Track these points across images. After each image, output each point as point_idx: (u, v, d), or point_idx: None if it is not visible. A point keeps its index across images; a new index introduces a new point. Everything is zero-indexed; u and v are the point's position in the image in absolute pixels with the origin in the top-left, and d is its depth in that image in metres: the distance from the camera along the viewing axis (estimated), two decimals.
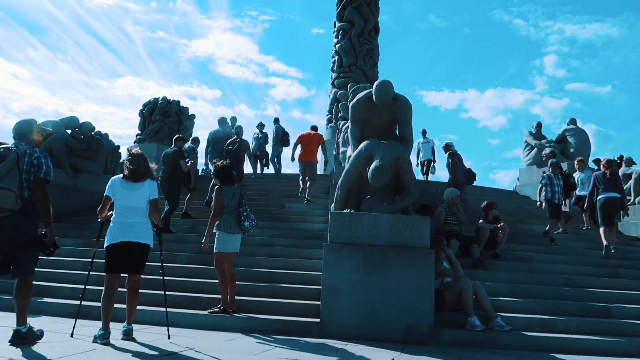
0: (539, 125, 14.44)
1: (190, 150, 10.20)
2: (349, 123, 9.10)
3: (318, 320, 5.60)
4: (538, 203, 10.06)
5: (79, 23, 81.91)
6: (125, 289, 4.71)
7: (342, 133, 9.48)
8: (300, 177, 11.76)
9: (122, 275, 4.66)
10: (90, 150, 11.68)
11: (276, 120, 15.77)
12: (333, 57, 24.26)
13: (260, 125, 15.76)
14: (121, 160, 20.96)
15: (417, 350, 5.02)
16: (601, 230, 8.79)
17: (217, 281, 6.03)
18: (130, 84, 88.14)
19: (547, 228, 9.42)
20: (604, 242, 8.54)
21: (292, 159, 12.00)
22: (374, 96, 6.12)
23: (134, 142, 15.30)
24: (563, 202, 10.11)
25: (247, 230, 6.01)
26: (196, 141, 11.57)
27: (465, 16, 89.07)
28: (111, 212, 4.68)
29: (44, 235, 4.05)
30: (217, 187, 5.99)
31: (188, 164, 9.47)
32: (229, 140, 11.46)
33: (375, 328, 5.47)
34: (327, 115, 23.67)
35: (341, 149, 9.66)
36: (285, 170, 15.80)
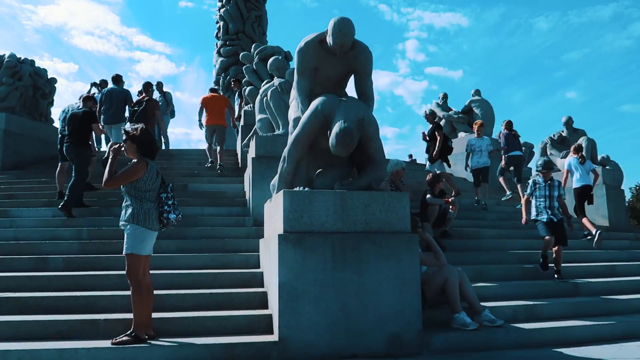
0: (445, 97, 14.16)
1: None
2: (275, 82, 7.54)
3: (275, 338, 4.09)
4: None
5: None
6: None
7: (260, 97, 7.86)
8: (207, 146, 10.10)
9: None
10: None
11: (160, 85, 13.34)
12: (217, 23, 21.97)
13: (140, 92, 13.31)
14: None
15: None
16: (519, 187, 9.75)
17: (124, 294, 4.19)
18: None
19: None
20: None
21: (200, 125, 10.56)
22: (330, 38, 4.65)
23: None
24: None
25: (170, 224, 4.25)
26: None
27: None
28: None
29: None
30: (139, 159, 4.14)
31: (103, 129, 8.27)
32: (135, 100, 9.59)
33: (352, 342, 4.12)
34: (214, 87, 21.40)
35: (257, 117, 8.04)
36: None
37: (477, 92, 13.82)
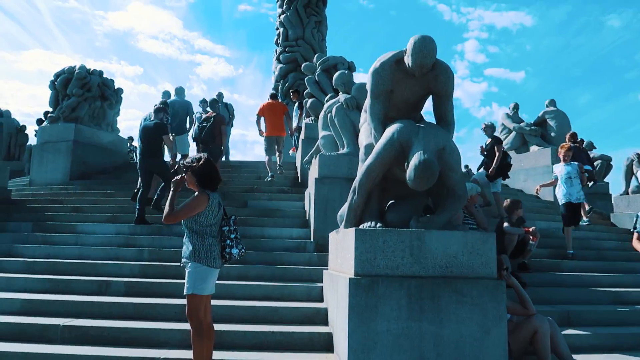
0: (517, 107, 13.30)
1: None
2: (340, 98, 7.19)
3: None
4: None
5: None
6: None
7: (324, 112, 7.54)
8: (267, 159, 10.20)
9: None
10: None
11: (220, 96, 13.37)
12: (277, 29, 22.01)
13: (204, 103, 13.37)
14: (29, 143, 17.66)
15: None
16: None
17: (183, 327, 3.96)
18: (40, 57, 79.42)
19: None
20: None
21: (261, 133, 10.56)
22: (409, 59, 4.22)
23: (45, 122, 12.34)
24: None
25: (233, 259, 3.99)
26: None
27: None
28: None
29: None
30: (200, 192, 3.88)
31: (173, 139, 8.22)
32: (203, 116, 9.64)
33: None
34: (273, 93, 21.37)
35: (321, 134, 7.72)
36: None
37: (552, 103, 12.88)
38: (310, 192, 7.43)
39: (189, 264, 3.81)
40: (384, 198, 4.73)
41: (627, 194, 10.54)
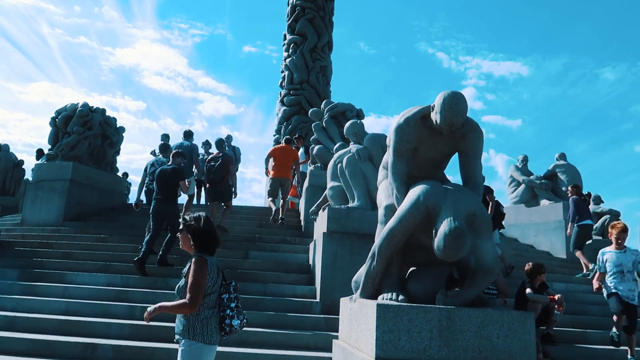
0: (526, 159, 13.01)
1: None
2: (352, 148, 6.84)
3: None
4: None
5: None
6: None
7: (334, 162, 7.20)
8: (270, 199, 10.12)
9: None
10: None
11: (229, 139, 13.11)
12: (282, 72, 22.06)
13: (207, 144, 13.09)
14: (26, 178, 17.21)
15: None
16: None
17: None
18: (46, 89, 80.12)
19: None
20: None
21: (267, 173, 10.46)
22: (437, 116, 3.89)
23: (43, 159, 11.98)
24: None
25: (234, 331, 3.50)
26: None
27: (392, 45, 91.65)
28: None
29: None
30: (196, 258, 3.40)
31: (188, 185, 8.04)
32: (210, 156, 9.61)
33: None
34: (275, 136, 21.26)
35: (329, 184, 7.34)
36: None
37: (562, 156, 12.61)
38: (316, 246, 6.99)
39: (183, 340, 3.32)
40: (406, 264, 4.30)
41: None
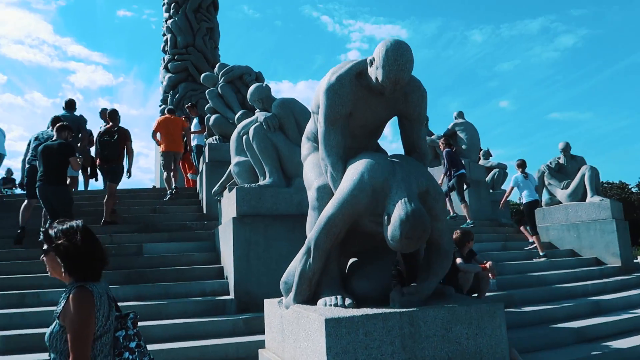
0: (426, 119, 12.96)
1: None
2: (259, 117, 5.84)
3: None
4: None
5: None
6: None
7: (238, 134, 6.17)
8: (165, 176, 9.48)
9: None
10: None
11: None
12: (164, 35, 19.99)
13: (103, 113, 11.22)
14: None
15: None
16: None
17: None
18: None
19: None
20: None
21: (158, 143, 9.87)
22: (378, 71, 3.08)
23: None
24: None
25: None
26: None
27: (277, 9, 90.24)
28: None
29: None
30: (75, 292, 2.19)
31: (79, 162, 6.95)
32: (102, 129, 8.30)
33: None
34: (161, 106, 19.31)
35: (234, 160, 6.32)
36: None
37: (461, 115, 12.71)
38: (224, 233, 6.01)
39: None
40: (344, 255, 3.55)
41: (541, 206, 10.50)
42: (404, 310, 2.82)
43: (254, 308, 5.17)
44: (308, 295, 3.25)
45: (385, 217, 2.90)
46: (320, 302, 3.11)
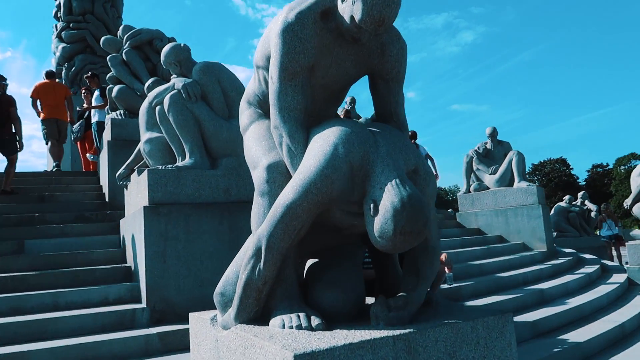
0: (353, 101, 12.38)
1: None
2: (176, 84, 4.74)
3: None
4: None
5: None
6: None
7: (149, 104, 5.02)
8: (49, 146, 8.98)
9: None
10: None
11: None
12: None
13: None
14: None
15: None
16: None
17: None
18: None
19: None
20: None
21: (39, 114, 9.04)
22: (355, 8, 2.24)
23: None
24: None
25: None
26: None
27: None
28: None
29: None
30: None
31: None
32: None
33: None
34: (50, 71, 16.90)
35: (145, 136, 5.17)
36: None
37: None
38: (133, 225, 4.90)
39: None
40: (301, 256, 2.71)
41: (469, 191, 10.38)
42: (397, 332, 2.04)
43: (173, 318, 4.18)
44: (256, 312, 2.38)
45: (371, 205, 2.09)
46: (276, 322, 2.24)
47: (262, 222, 2.40)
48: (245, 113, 2.94)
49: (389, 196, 2.04)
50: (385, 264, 2.81)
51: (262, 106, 2.86)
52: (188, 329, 3.64)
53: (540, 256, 8.45)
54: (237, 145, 4.82)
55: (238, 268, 2.56)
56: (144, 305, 4.30)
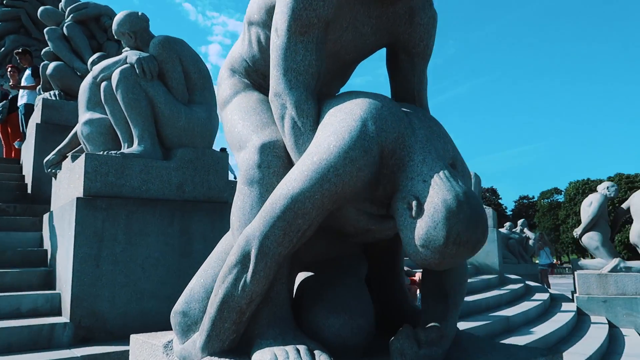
0: None
1: None
2: (129, 57, 4.00)
3: None
4: None
5: None
6: None
7: (93, 80, 4.24)
8: None
9: None
10: None
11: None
12: None
13: None
14: None
15: None
16: None
17: None
18: None
19: None
20: None
21: None
22: None
23: None
24: None
25: None
26: None
27: None
28: None
29: None
30: None
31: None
32: None
33: None
34: None
35: (84, 117, 4.35)
36: None
37: None
38: (60, 221, 4.06)
39: None
40: (293, 267, 2.10)
41: None
42: None
43: (103, 337, 3.40)
44: (232, 340, 1.74)
45: (413, 203, 1.54)
46: (264, 356, 1.62)
47: (249, 219, 1.79)
48: (226, 82, 2.31)
49: (439, 192, 1.51)
50: (390, 282, 2.27)
51: (249, 75, 2.25)
52: (121, 351, 2.92)
53: (495, 281, 8.27)
54: (195, 135, 4.16)
55: (207, 280, 1.93)
56: (66, 319, 3.48)
